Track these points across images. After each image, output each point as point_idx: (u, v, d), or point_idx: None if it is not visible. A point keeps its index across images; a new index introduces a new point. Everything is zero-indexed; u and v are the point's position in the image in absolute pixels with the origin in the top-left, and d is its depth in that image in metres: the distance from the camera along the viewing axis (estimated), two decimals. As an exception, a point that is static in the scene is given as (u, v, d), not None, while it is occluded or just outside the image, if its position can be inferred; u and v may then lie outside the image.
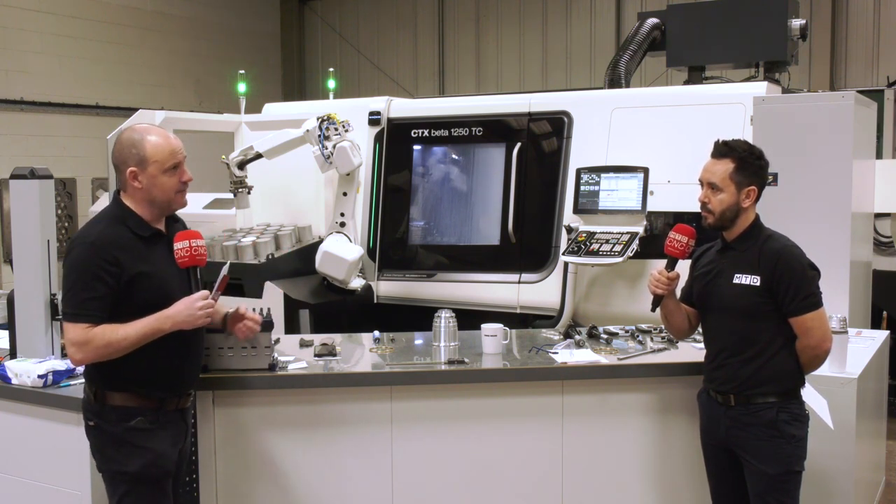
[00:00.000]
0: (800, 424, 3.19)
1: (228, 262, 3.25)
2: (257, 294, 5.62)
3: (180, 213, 3.18)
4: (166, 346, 2.95)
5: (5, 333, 4.09)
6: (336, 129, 5.60)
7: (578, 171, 5.42)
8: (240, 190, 5.83)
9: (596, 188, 5.34)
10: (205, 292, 2.96)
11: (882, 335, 4.49)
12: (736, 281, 3.20)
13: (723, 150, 3.24)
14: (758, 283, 3.15)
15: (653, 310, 3.44)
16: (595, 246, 5.16)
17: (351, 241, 5.82)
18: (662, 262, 3.40)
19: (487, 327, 3.89)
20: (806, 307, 3.13)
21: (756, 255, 3.19)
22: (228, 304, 3.78)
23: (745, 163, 3.19)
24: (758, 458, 3.17)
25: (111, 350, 2.85)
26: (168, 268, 2.99)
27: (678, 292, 3.46)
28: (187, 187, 3.05)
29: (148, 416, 2.96)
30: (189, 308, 2.90)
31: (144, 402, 2.97)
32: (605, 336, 4.13)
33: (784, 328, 3.17)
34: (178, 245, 2.96)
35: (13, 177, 3.85)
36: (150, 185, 2.95)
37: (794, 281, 3.12)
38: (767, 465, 3.15)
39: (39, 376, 3.52)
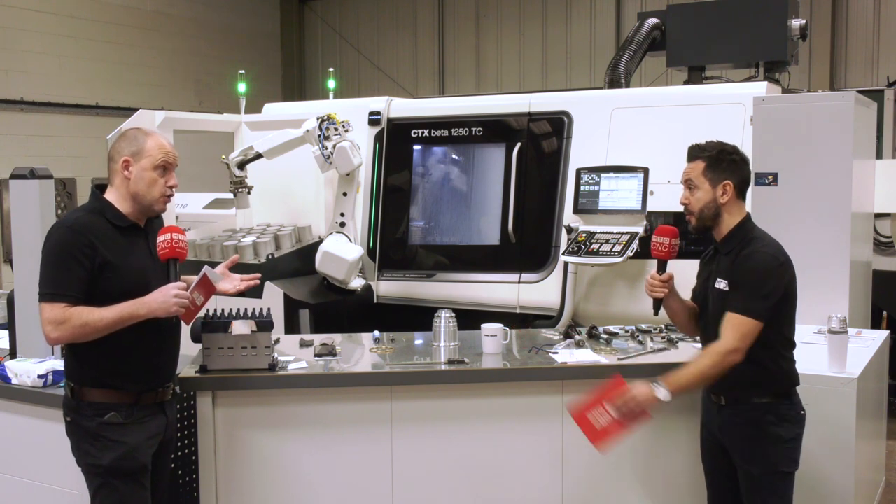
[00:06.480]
0: (789, 426, 3.14)
1: (206, 266, 3.16)
2: (257, 294, 5.62)
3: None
4: (142, 340, 3.00)
5: (5, 333, 4.09)
6: (336, 129, 5.60)
7: (578, 171, 5.42)
8: (240, 190, 5.83)
9: (596, 188, 5.34)
10: (181, 283, 3.01)
11: (882, 335, 4.47)
12: (716, 286, 3.18)
13: (694, 151, 3.25)
14: (727, 289, 3.13)
15: (655, 313, 3.42)
16: (595, 246, 5.15)
17: (351, 241, 5.82)
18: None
19: (487, 327, 3.88)
20: (738, 307, 3.04)
21: (733, 260, 3.15)
22: (228, 303, 3.80)
23: (716, 160, 3.18)
24: (744, 458, 3.17)
25: (87, 330, 2.88)
26: (145, 259, 3.05)
27: (688, 292, 3.43)
28: (172, 194, 3.13)
29: (122, 412, 3.00)
30: (164, 295, 2.94)
31: (121, 397, 3.01)
32: (605, 336, 4.13)
33: (765, 332, 3.07)
34: (160, 238, 3.02)
35: (13, 177, 3.85)
36: (138, 177, 3.03)
37: (746, 282, 3.07)
38: (752, 466, 3.14)
39: (39, 376, 3.53)
